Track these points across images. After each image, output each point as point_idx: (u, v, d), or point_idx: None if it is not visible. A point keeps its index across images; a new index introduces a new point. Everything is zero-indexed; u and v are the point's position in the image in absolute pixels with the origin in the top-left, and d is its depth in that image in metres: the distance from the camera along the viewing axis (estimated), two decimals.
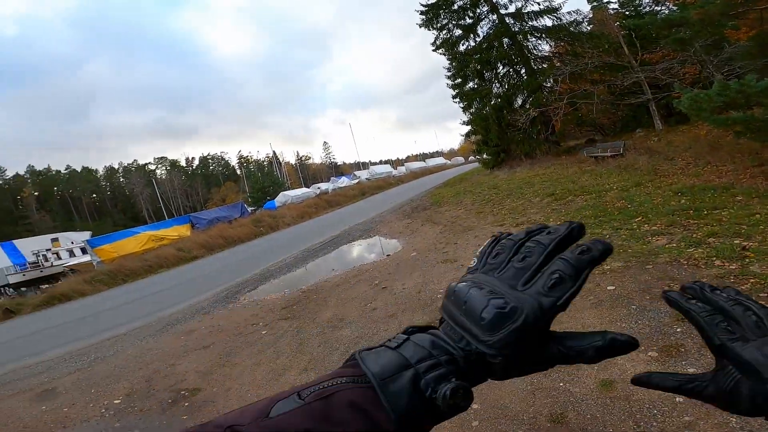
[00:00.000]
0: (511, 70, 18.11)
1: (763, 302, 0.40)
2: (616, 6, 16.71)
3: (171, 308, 8.53)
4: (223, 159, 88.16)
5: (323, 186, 42.46)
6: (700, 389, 0.39)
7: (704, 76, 10.74)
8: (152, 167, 79.03)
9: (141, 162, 79.65)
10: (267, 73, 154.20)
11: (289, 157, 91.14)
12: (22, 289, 20.40)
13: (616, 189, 8.50)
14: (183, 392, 4.50)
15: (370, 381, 0.34)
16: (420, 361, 0.34)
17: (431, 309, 4.79)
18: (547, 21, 17.06)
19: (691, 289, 0.43)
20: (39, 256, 22.86)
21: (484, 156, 19.96)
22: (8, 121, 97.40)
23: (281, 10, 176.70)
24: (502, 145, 18.04)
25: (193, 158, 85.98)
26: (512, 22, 17.63)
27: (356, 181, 43.19)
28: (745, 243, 4.12)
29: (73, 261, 22.11)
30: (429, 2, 18.56)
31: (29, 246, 24.12)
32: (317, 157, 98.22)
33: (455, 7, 18.19)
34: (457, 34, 18.70)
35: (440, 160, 66.31)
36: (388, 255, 8.58)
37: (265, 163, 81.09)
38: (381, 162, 79.34)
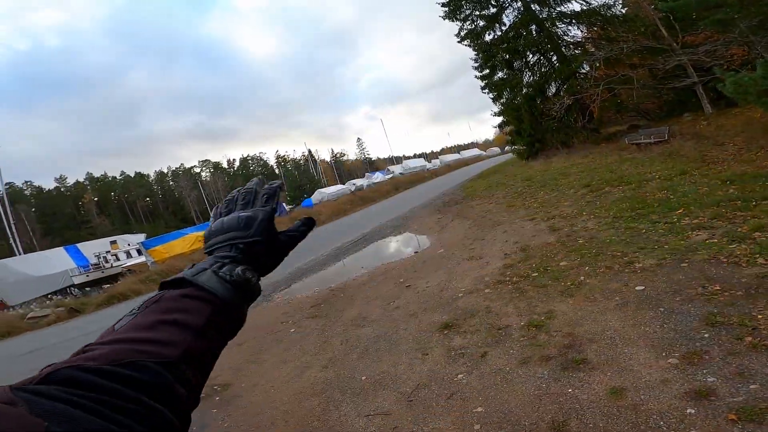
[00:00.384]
0: (541, 57, 17.39)
1: None
2: None
3: None
4: (261, 159, 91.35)
5: (358, 182, 42.88)
6: None
7: (753, 57, 9.73)
8: (197, 170, 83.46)
9: (187, 165, 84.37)
10: (297, 74, 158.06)
11: (324, 154, 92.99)
12: (87, 289, 22.33)
13: (658, 178, 7.95)
14: (216, 387, 4.77)
15: (186, 286, 0.47)
16: (212, 265, 0.50)
17: (451, 309, 4.75)
18: (575, 5, 16.24)
19: None
20: (100, 257, 24.92)
21: (518, 147, 19.30)
22: (65, 132, 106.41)
23: (305, 10, 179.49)
24: (536, 135, 17.39)
25: (234, 159, 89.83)
26: (538, 8, 16.89)
27: (390, 176, 43.25)
28: None
29: (130, 262, 23.89)
30: None
31: (91, 249, 26.33)
32: (352, 154, 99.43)
33: None
34: (481, 24, 18.15)
35: (475, 152, 64.90)
36: (415, 252, 8.57)
37: (301, 162, 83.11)
38: (415, 156, 78.87)
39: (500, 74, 18.29)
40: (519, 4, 17.08)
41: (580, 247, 5.42)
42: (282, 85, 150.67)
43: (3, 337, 13.22)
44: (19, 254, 27.16)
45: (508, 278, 5.12)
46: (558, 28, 16.82)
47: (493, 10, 17.71)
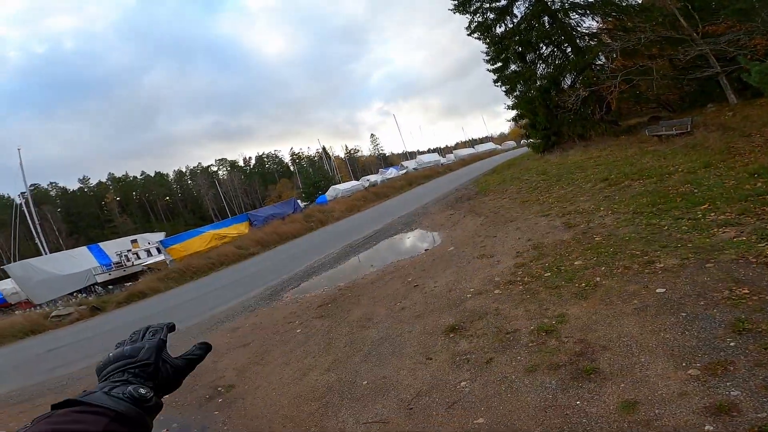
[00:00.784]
0: (555, 49, 16.87)
1: None
2: None
3: (223, 305, 9.04)
4: (276, 157, 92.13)
5: (372, 178, 42.79)
6: None
7: None
8: (214, 168, 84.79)
9: (204, 164, 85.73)
10: (309, 71, 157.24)
11: (338, 151, 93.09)
12: (109, 287, 22.93)
13: (681, 171, 7.54)
14: (220, 388, 4.73)
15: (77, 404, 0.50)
16: (102, 388, 0.54)
17: (458, 311, 4.56)
18: None
19: None
20: (121, 256, 25.52)
21: (533, 140, 18.80)
22: (87, 133, 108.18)
23: (315, 8, 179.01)
24: (551, 128, 16.89)
25: (249, 158, 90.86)
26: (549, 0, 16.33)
27: (404, 171, 42.99)
28: None
29: (151, 260, 24.36)
30: None
31: (113, 248, 26.97)
32: (366, 150, 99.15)
33: None
34: (491, 17, 17.71)
35: (490, 146, 63.91)
36: (426, 249, 8.39)
37: (316, 159, 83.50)
38: (429, 151, 78.21)
39: (513, 67, 17.81)
40: None
41: (597, 245, 5.14)
42: (295, 83, 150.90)
43: (26, 335, 13.64)
44: (45, 254, 28.07)
45: (519, 278, 4.90)
46: (571, 18, 16.30)
47: (503, 2, 17.25)
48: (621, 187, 7.91)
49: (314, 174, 52.02)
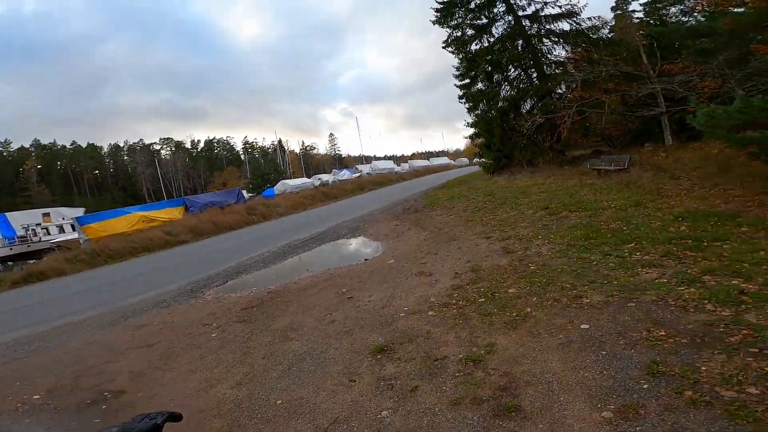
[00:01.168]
0: (522, 73, 17.51)
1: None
2: (641, 15, 16.07)
3: (133, 297, 8.15)
4: (228, 143, 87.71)
5: (324, 177, 42.03)
6: None
7: (724, 91, 10.08)
8: (157, 147, 78.83)
9: (147, 141, 79.42)
10: (279, 61, 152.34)
11: (294, 146, 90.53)
12: (9, 263, 20.16)
13: (614, 207, 7.97)
14: (106, 393, 4.12)
15: None
16: None
17: (389, 330, 4.34)
18: (565, 25, 16.47)
19: None
20: (28, 230, 22.59)
21: (486, 160, 19.41)
22: (21, 96, 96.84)
23: (300, 1, 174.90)
24: (504, 150, 17.47)
25: (198, 141, 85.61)
26: (528, 24, 17.03)
27: (357, 174, 42.76)
28: (743, 285, 3.62)
29: (61, 237, 21.78)
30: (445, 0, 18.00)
31: (20, 219, 23.79)
32: (322, 148, 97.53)
33: (472, 5, 17.60)
34: (469, 33, 18.13)
35: (444, 160, 65.54)
36: (366, 259, 8.15)
37: (270, 150, 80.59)
38: (385, 157, 78.73)
39: (479, 85, 18.26)
40: (511, 17, 17.16)
41: (531, 273, 5.19)
42: (263, 72, 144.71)
43: None
44: None
45: (454, 301, 4.79)
46: (544, 45, 17.00)
47: (484, 20, 17.70)
48: (559, 218, 8.22)
49: (265, 166, 50.05)
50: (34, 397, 4.31)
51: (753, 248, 4.44)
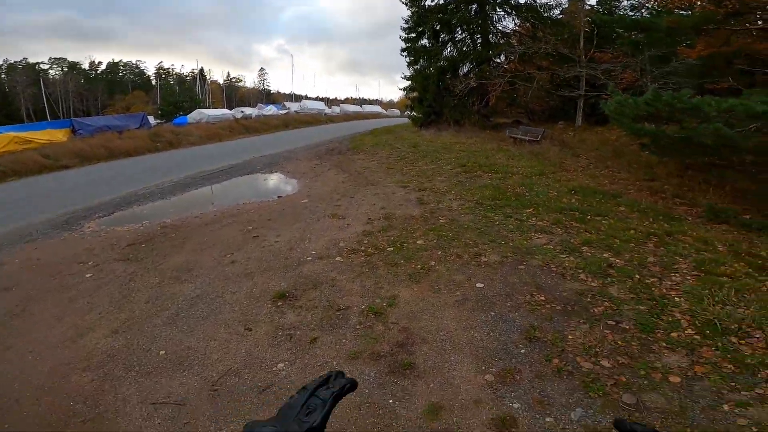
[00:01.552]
0: (468, 37, 17.58)
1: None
2: (594, 2, 16.57)
3: None
4: (138, 67, 74.03)
5: (247, 111, 38.31)
6: None
7: (638, 85, 11.09)
8: (45, 67, 64.01)
9: (32, 61, 63.87)
10: None
11: (218, 76, 79.54)
12: None
13: (521, 174, 8.55)
14: None
15: None
16: None
17: (293, 275, 4.22)
18: None
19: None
20: None
21: (416, 114, 19.50)
22: None
23: None
24: (435, 107, 17.84)
25: (99, 63, 71.09)
26: None
27: (284, 111, 39.78)
28: (612, 259, 4.17)
29: None
30: None
31: None
32: (250, 82, 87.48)
33: None
34: None
35: (377, 108, 63.97)
36: (279, 196, 7.76)
37: (188, 78, 70.25)
38: (318, 98, 74.14)
39: (425, 41, 18.07)
40: None
41: (440, 227, 5.39)
42: None
43: None
44: None
45: (363, 248, 4.80)
46: (496, 13, 17.10)
47: None
48: (473, 176, 8.59)
49: (180, 94, 43.64)
50: None
51: (626, 226, 5.11)
